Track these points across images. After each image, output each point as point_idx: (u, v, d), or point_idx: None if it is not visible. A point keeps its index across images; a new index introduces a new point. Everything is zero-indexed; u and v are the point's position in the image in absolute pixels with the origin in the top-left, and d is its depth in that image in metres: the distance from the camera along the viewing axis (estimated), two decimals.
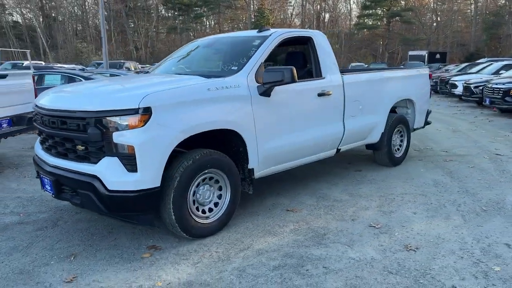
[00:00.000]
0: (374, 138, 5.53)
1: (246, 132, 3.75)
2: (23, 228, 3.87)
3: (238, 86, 3.73)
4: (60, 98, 3.54)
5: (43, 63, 27.36)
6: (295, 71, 3.84)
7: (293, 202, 4.51)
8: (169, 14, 59.74)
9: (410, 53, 40.39)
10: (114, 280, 2.91)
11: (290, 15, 61.66)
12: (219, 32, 59.53)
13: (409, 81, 6.06)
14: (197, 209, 3.54)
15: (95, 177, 3.15)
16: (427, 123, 6.67)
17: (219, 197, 3.71)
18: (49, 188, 3.51)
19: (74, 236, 3.68)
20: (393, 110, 6.19)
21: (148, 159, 3.11)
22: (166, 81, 3.75)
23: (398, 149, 6.07)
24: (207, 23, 62.48)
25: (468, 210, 4.20)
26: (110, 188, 3.10)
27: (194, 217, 3.48)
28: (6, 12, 59.47)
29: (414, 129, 6.42)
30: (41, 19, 59.58)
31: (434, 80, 19.84)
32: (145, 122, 3.10)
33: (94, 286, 2.84)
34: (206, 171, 3.51)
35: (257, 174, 4.01)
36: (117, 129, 3.10)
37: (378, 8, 50.90)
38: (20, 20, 59.26)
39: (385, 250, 3.34)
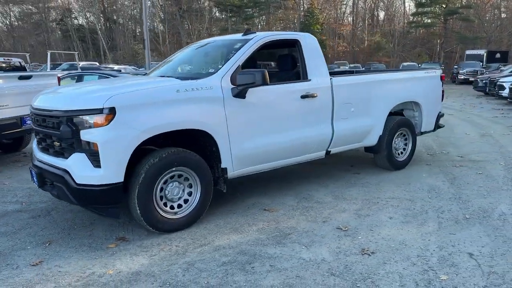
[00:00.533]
0: (371, 141, 5.45)
1: (217, 132, 3.89)
2: (20, 216, 4.27)
3: (210, 88, 3.88)
4: (45, 98, 3.88)
5: (97, 64, 28.98)
6: (266, 73, 3.93)
7: (274, 202, 4.59)
8: (223, 16, 60.98)
9: (467, 52, 38.37)
10: (73, 266, 3.17)
11: (342, 14, 60.73)
12: None
13: (414, 84, 5.89)
14: (165, 204, 3.73)
15: (66, 171, 3.44)
16: (438, 126, 6.43)
17: (189, 194, 3.88)
18: (35, 179, 3.87)
19: (59, 224, 4.02)
20: (400, 113, 6.07)
21: (110, 156, 3.34)
22: (137, 83, 4.00)
23: (402, 152, 5.93)
24: (259, 24, 63.06)
25: (449, 217, 4.06)
26: (78, 181, 3.38)
27: (160, 212, 3.68)
28: (72, 16, 63.75)
29: (422, 133, 6.22)
30: (102, 22, 63.10)
31: (483, 81, 18.82)
32: (109, 121, 3.34)
33: (54, 270, 3.11)
34: (173, 168, 3.69)
35: (233, 173, 4.13)
36: (84, 127, 3.36)
37: (435, 6, 48.68)
38: (84, 23, 63.09)
39: (340, 252, 3.34)
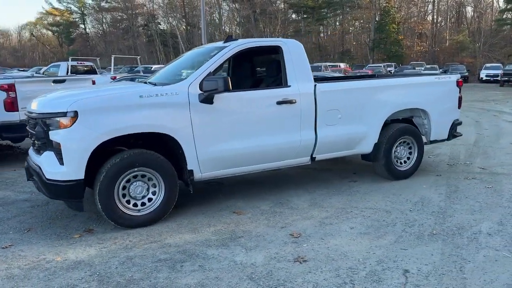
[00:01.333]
0: (365, 148, 5.30)
1: (181, 136, 4.10)
2: (22, 204, 4.85)
3: (176, 93, 4.10)
4: (33, 102, 4.37)
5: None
6: (228, 80, 4.07)
7: (248, 205, 4.69)
8: (298, 17, 61.04)
9: None
10: (33, 252, 3.58)
11: (423, 12, 57.60)
12: (342, 33, 58.75)
13: (418, 90, 5.59)
14: (128, 202, 4.03)
15: (39, 167, 3.88)
16: (454, 135, 6.02)
17: (154, 193, 4.13)
18: (25, 173, 4.39)
19: (48, 214, 4.50)
20: (409, 120, 5.80)
21: (71, 155, 3.72)
22: (107, 89, 4.33)
23: (405, 161, 5.66)
24: (333, 25, 62.11)
25: (414, 232, 3.87)
26: (47, 177, 3.80)
27: (122, 208, 3.98)
28: (156, 21, 68.03)
29: (432, 142, 5.88)
30: (183, 27, 66.44)
31: None
32: (73, 123, 3.71)
33: (15, 254, 3.55)
34: (135, 169, 3.98)
35: (201, 176, 4.32)
36: (52, 128, 3.77)
37: None
38: (166, 28, 66.88)
39: (274, 258, 3.38)
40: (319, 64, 25.63)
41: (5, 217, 4.46)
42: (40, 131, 3.85)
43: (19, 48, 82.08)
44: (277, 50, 4.80)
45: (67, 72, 16.42)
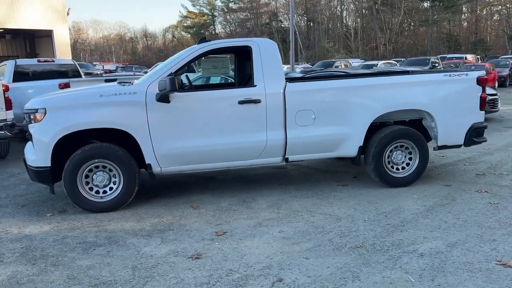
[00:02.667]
0: (348, 151, 4.99)
1: (138, 132, 4.46)
2: (31, 187, 5.67)
3: (134, 93, 4.48)
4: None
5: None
6: (174, 81, 4.30)
7: (211, 201, 4.84)
8: (425, 5, 56.63)
9: None
10: (6, 223, 4.33)
11: None
12: (475, 21, 52.58)
13: (418, 89, 5.01)
14: (91, 189, 4.55)
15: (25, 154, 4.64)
16: (473, 141, 5.24)
17: (115, 183, 4.59)
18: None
19: (47, 196, 5.25)
20: (419, 121, 5.27)
21: (39, 145, 4.37)
22: (78, 89, 4.88)
23: (403, 168, 5.15)
24: (467, 12, 56.06)
25: (339, 243, 3.61)
26: (28, 163, 4.53)
27: (84, 194, 4.51)
28: (278, 19, 69.79)
29: (441, 147, 5.21)
30: (304, 23, 66.91)
31: None
32: (42, 118, 4.35)
33: None
34: (95, 160, 4.47)
35: (160, 170, 4.63)
36: (30, 122, 4.48)
37: None
38: (287, 25, 68.03)
39: (174, 252, 3.53)
40: (428, 57, 23.46)
41: (16, 194, 5.37)
42: (25, 124, 4.60)
43: (163, 49, 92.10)
44: (247, 50, 4.83)
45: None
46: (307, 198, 4.83)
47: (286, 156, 4.89)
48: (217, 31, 78.35)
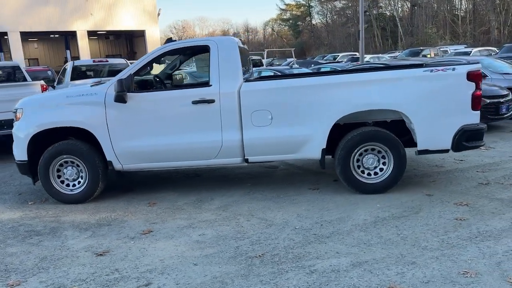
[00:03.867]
0: (311, 154, 4.70)
1: (97, 130, 4.76)
2: None
3: (94, 94, 4.78)
4: None
5: (357, 54, 30.00)
6: (121, 83, 4.50)
7: (172, 199, 4.94)
8: None
9: None
10: None
11: None
12: None
13: (389, 87, 4.49)
14: (62, 182, 4.98)
15: None
16: (464, 146, 4.56)
17: (82, 177, 4.96)
18: None
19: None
20: (402, 122, 4.79)
21: (17, 141, 4.91)
22: (53, 91, 5.28)
23: (376, 173, 4.70)
24: None
25: (243, 251, 3.47)
26: (15, 157, 5.13)
27: (57, 187, 4.94)
28: (379, 5, 66.43)
29: (422, 152, 4.62)
30: (407, 7, 62.71)
31: None
32: (20, 117, 4.89)
33: None
34: (64, 156, 4.88)
35: (122, 167, 4.86)
36: (15, 120, 5.05)
37: None
38: (386, 12, 64.57)
39: (87, 248, 3.72)
40: None
41: (24, 183, 6.03)
42: (13, 123, 5.19)
43: (263, 42, 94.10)
44: (207, 50, 4.81)
45: None
46: (263, 201, 4.68)
47: (245, 157, 4.79)
48: (313, 22, 77.44)
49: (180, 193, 5.15)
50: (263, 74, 13.59)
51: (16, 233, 4.16)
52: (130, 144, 4.77)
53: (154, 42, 27.56)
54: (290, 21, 78.76)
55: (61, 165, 4.94)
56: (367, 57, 27.12)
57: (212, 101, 4.61)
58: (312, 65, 17.48)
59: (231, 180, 5.60)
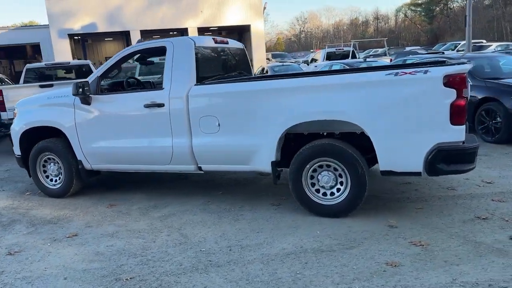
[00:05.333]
0: (262, 166, 4.22)
1: (68, 131, 4.97)
2: None
3: (66, 95, 4.98)
4: None
5: (484, 41, 26.10)
6: (74, 86, 4.60)
7: (133, 203, 4.90)
8: None
9: None
10: None
11: None
12: None
13: (340, 94, 3.74)
14: (47, 177, 5.35)
15: None
16: (441, 169, 3.59)
17: (61, 173, 5.26)
18: None
19: None
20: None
21: (13, 137, 5.41)
22: (47, 92, 5.60)
23: (333, 193, 4.00)
24: None
25: (112, 271, 3.28)
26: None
27: (42, 181, 5.34)
28: None
29: (385, 173, 3.77)
30: None
31: None
32: (15, 116, 5.40)
33: None
34: (46, 153, 5.22)
35: (91, 166, 5.01)
36: (14, 118, 5.58)
37: None
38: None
39: (12, 245, 3.93)
40: None
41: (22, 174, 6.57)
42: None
43: (394, 29, 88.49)
44: (165, 51, 4.63)
45: (323, 59, 17.80)
46: (209, 214, 4.37)
47: (199, 165, 4.52)
48: (450, 6, 69.85)
49: (148, 196, 5.10)
50: (334, 68, 12.76)
51: None
52: (94, 145, 4.87)
53: (258, 36, 27.99)
54: (422, 6, 72.47)
55: (45, 161, 5.30)
56: (493, 46, 23.56)
57: (162, 105, 4.44)
58: (407, 56, 15.66)
59: (209, 186, 5.35)
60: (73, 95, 4.67)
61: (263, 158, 4.15)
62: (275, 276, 3.01)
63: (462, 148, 3.52)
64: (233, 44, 5.48)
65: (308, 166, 3.99)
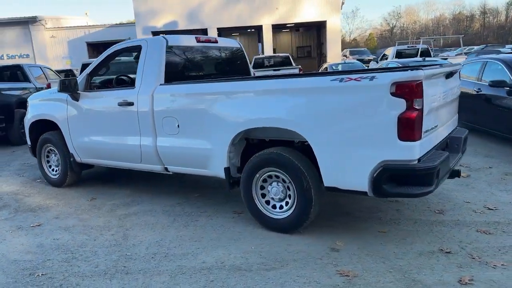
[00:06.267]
0: (216, 171, 4.05)
1: (61, 124, 5.25)
2: None
3: None
4: None
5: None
6: (60, 83, 4.83)
7: (114, 198, 5.04)
8: None
9: None
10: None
11: None
12: None
13: (281, 100, 3.41)
14: (50, 167, 5.72)
15: None
16: (388, 192, 3.12)
17: (58, 165, 5.58)
18: None
19: None
20: None
21: (25, 129, 5.87)
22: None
23: (282, 207, 3.70)
24: None
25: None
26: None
27: (46, 170, 5.72)
28: None
29: (329, 189, 3.38)
30: None
31: None
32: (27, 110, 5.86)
33: None
34: (48, 144, 5.59)
35: (80, 160, 5.24)
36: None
37: None
38: None
39: None
40: None
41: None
42: None
43: (504, 25, 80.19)
44: (140, 50, 4.64)
45: (393, 57, 16.75)
46: (165, 216, 4.31)
47: (165, 166, 4.49)
48: None
49: (130, 193, 5.19)
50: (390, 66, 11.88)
51: None
52: (79, 140, 5.08)
53: (334, 32, 27.12)
54: None
55: (48, 152, 5.67)
56: None
57: (131, 104, 4.47)
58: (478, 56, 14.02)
59: (192, 186, 5.29)
60: (58, 91, 4.90)
61: (216, 164, 3.97)
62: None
63: (411, 168, 3.01)
64: (225, 43, 5.32)
65: (257, 175, 3.73)
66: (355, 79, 3.11)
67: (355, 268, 3.03)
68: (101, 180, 5.84)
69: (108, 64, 5.24)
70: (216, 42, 5.13)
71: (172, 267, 3.21)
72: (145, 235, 3.86)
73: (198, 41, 4.89)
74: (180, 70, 4.66)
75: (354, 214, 4.06)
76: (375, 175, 3.09)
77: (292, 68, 15.79)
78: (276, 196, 3.69)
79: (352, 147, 3.17)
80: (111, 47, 4.91)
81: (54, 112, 5.29)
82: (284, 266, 3.12)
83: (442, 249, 3.24)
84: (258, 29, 29.12)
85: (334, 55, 27.43)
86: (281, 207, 3.69)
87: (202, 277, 3.02)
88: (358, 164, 3.16)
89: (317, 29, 32.11)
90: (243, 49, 5.60)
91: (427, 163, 3.06)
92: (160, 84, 4.32)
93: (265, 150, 3.69)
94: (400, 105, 2.95)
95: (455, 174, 3.68)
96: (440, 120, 3.51)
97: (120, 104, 4.55)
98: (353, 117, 3.14)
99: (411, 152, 3.00)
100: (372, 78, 3.04)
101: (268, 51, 27.04)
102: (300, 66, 16.74)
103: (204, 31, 27.22)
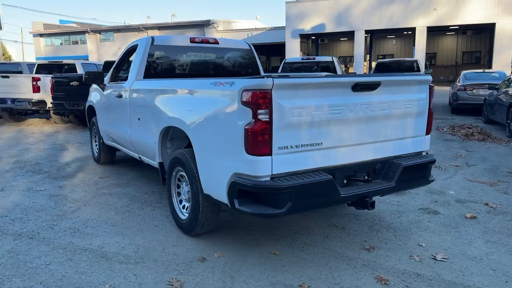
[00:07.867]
0: (155, 165, 4.30)
1: (97, 111, 6.15)
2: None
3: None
4: None
5: None
6: (85, 74, 5.65)
7: (117, 178, 5.71)
8: None
9: None
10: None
11: None
12: None
13: (183, 102, 3.41)
14: (96, 146, 6.73)
15: None
16: (237, 209, 2.89)
17: None
18: None
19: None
20: None
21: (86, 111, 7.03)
22: None
23: (186, 208, 3.73)
24: None
25: None
26: None
27: (93, 148, 6.77)
28: None
29: (207, 197, 3.24)
30: None
31: None
32: None
33: None
34: (94, 127, 6.59)
35: (107, 142, 6.07)
36: None
37: None
38: None
39: None
40: None
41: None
42: None
43: None
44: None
45: None
46: (125, 200, 4.70)
47: (139, 155, 4.90)
48: None
49: (137, 175, 5.75)
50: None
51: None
52: (101, 124, 5.88)
53: (504, 37, 23.17)
54: None
55: (95, 132, 6.66)
56: None
57: (121, 96, 4.99)
58: None
59: None
60: (83, 82, 5.75)
61: (155, 157, 4.18)
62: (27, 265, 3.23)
63: (258, 186, 2.70)
64: (230, 44, 5.39)
65: (174, 173, 3.81)
66: (222, 84, 2.95)
67: (184, 279, 2.89)
68: (128, 162, 6.55)
69: (128, 59, 5.86)
70: (216, 43, 5.25)
71: (64, 241, 3.57)
72: (89, 212, 4.31)
73: (193, 41, 5.09)
74: (167, 69, 4.96)
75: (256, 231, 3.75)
76: (228, 188, 2.89)
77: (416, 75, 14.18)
78: (184, 197, 3.70)
79: (215, 155, 3.02)
80: (126, 47, 5.49)
81: (94, 99, 6.21)
82: (140, 262, 3.16)
83: (364, 248, 2.81)
84: (410, 31, 27.00)
85: (503, 63, 23.58)
86: (187, 208, 3.70)
87: (72, 255, 3.30)
88: (219, 174, 2.99)
89: (491, 32, 28.01)
90: (254, 50, 5.57)
91: (278, 183, 2.70)
92: (136, 80, 4.71)
93: (178, 150, 3.73)
94: (247, 115, 2.69)
95: (365, 205, 3.09)
96: (334, 139, 3.00)
97: (117, 96, 5.11)
98: (217, 123, 2.99)
99: (256, 167, 2.71)
100: (232, 84, 2.84)
101: (421, 55, 24.91)
102: (430, 72, 14.90)
103: (351, 34, 26.60)
